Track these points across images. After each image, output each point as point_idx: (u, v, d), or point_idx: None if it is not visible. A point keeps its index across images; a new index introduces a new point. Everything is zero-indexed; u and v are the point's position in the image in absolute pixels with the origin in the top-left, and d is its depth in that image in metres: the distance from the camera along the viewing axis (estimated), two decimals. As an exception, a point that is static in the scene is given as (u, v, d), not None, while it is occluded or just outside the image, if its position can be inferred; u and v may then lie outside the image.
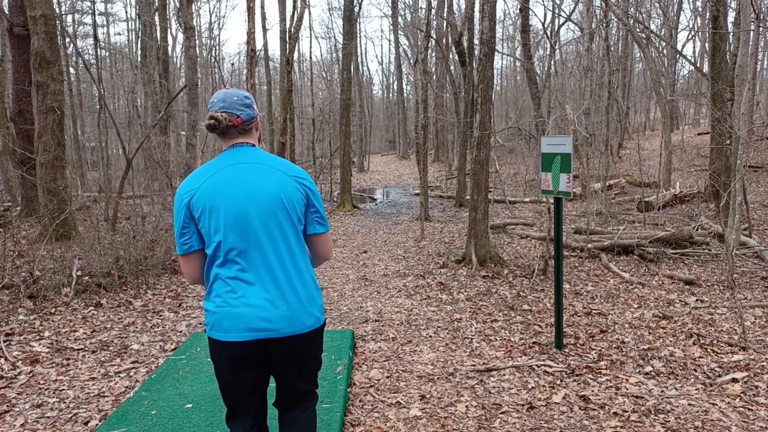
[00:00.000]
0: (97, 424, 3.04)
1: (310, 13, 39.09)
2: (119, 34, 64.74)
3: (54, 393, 3.45)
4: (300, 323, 1.87)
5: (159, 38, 17.18)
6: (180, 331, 4.71)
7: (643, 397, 3.29)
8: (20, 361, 3.92)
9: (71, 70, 23.19)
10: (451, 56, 22.56)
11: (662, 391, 3.38)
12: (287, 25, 15.36)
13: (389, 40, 52.78)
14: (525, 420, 3.07)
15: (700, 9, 26.32)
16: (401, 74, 35.60)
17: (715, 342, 4.20)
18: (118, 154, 21.09)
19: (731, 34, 11.05)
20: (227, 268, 1.84)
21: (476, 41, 11.71)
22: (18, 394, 3.43)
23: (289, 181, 1.89)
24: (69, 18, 25.79)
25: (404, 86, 39.05)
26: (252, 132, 1.97)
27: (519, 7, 16.32)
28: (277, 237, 1.85)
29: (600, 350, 4.10)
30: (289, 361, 1.92)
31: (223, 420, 2.97)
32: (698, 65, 22.11)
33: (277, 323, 1.83)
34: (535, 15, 41.78)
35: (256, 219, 1.82)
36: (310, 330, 1.90)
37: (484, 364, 3.90)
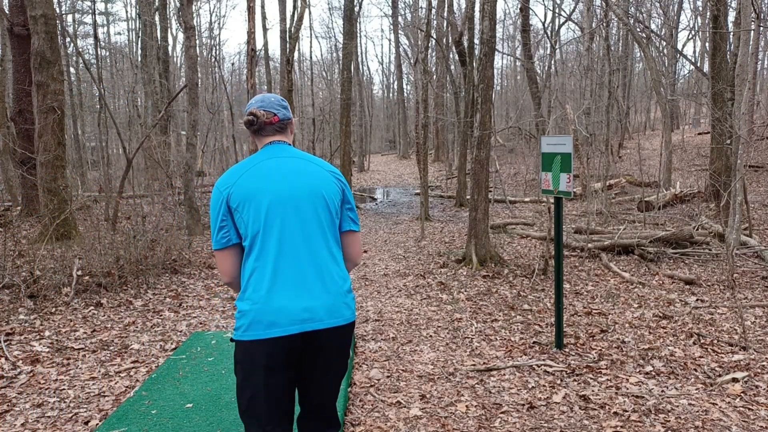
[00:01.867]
0: (97, 424, 3.05)
1: (310, 13, 39.10)
2: (119, 33, 64.82)
3: (54, 392, 3.45)
4: (340, 314, 1.83)
5: (159, 38, 17.18)
6: (180, 331, 4.71)
7: (643, 397, 3.29)
8: (21, 361, 3.92)
9: (71, 69, 23.20)
10: (451, 56, 22.56)
11: (662, 391, 3.38)
12: (287, 25, 15.36)
13: (389, 40, 52.76)
14: (525, 420, 3.07)
15: (700, 8, 26.31)
16: (401, 74, 35.58)
17: (715, 342, 4.20)
18: (119, 153, 21.09)
19: (732, 33, 11.04)
20: (265, 260, 1.78)
21: (476, 41, 11.71)
22: (18, 393, 3.43)
23: (328, 176, 1.90)
24: (69, 18, 25.81)
25: (404, 86, 39.08)
26: (287, 132, 1.99)
27: (519, 6, 16.32)
28: (317, 229, 1.83)
29: (600, 350, 4.10)
30: (324, 357, 1.86)
31: (223, 419, 2.97)
32: (698, 65, 22.10)
33: (320, 313, 1.78)
34: (536, 15, 41.83)
35: (296, 210, 1.81)
36: (348, 323, 1.86)
37: (484, 363, 3.90)
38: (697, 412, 3.11)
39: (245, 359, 1.79)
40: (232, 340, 1.81)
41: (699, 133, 24.20)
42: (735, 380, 3.48)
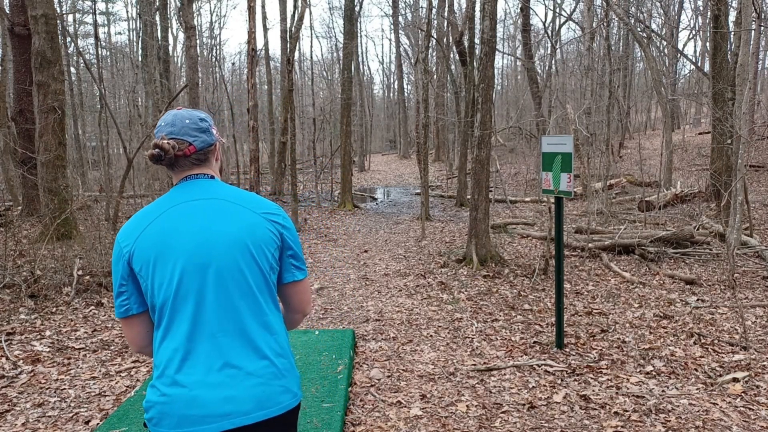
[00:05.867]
0: (98, 423, 3.05)
1: (310, 13, 39.08)
2: (120, 33, 64.84)
3: (55, 392, 3.45)
4: (275, 402, 1.42)
5: (160, 38, 17.17)
6: (181, 331, 4.71)
7: (643, 397, 3.29)
8: (21, 361, 3.93)
9: (72, 69, 23.21)
10: (451, 56, 22.55)
11: (663, 391, 3.38)
12: (288, 25, 15.35)
13: (390, 40, 52.77)
14: (526, 419, 3.07)
15: (701, 8, 26.30)
16: (402, 73, 35.59)
17: (716, 341, 4.20)
18: (119, 153, 21.10)
19: (732, 33, 11.04)
20: (175, 338, 1.39)
21: (477, 41, 11.71)
22: (19, 393, 3.43)
23: (258, 221, 1.47)
24: (70, 17, 25.81)
25: (405, 86, 39.08)
26: (210, 162, 1.55)
27: (520, 6, 16.32)
28: (244, 293, 1.43)
29: (601, 350, 4.10)
30: None
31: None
32: (699, 64, 22.09)
33: (246, 405, 1.37)
34: (536, 14, 41.75)
35: (213, 272, 1.41)
36: (287, 411, 1.44)
37: (484, 363, 3.90)
38: (698, 412, 3.11)
39: None
40: (145, 425, 1.45)
41: (699, 133, 24.18)
42: (735, 380, 3.48)
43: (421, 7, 26.23)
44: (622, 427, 2.96)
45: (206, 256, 1.41)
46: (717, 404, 3.19)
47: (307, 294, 1.62)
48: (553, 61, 20.50)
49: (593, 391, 3.41)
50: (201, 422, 1.35)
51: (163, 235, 1.41)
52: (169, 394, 1.37)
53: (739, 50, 7.78)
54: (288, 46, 14.93)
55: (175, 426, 1.36)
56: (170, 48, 22.31)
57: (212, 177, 1.56)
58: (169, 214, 1.44)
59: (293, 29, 14.27)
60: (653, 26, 25.24)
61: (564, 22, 21.34)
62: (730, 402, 3.22)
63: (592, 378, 3.60)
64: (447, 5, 16.92)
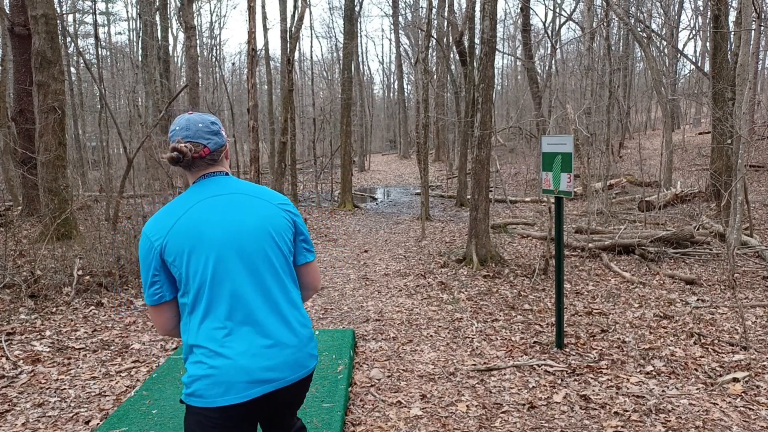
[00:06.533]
0: (98, 424, 3.05)
1: (310, 13, 39.07)
2: (120, 33, 64.82)
3: (55, 392, 3.45)
4: (303, 367, 1.67)
5: (160, 38, 17.18)
6: (181, 331, 4.71)
7: (643, 397, 3.29)
8: (21, 361, 3.93)
9: (72, 69, 23.20)
10: (451, 55, 22.55)
11: (663, 391, 3.38)
12: (288, 25, 15.35)
13: (390, 40, 52.77)
14: (526, 419, 3.07)
15: (701, 8, 26.29)
16: (402, 73, 35.59)
17: (716, 341, 4.20)
18: (119, 153, 21.09)
19: (732, 33, 11.04)
20: (215, 316, 1.57)
21: (477, 40, 11.71)
22: (19, 393, 3.43)
23: (275, 211, 1.69)
24: (70, 17, 25.81)
25: (405, 86, 39.07)
26: (222, 161, 1.73)
27: (520, 6, 16.32)
28: (269, 274, 1.64)
29: (601, 350, 4.10)
30: (285, 410, 1.73)
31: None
32: (699, 64, 22.09)
33: (282, 371, 1.61)
34: (536, 14, 41.71)
35: (244, 257, 1.60)
36: (311, 372, 1.72)
37: (484, 363, 3.90)
38: (698, 412, 3.11)
39: (196, 426, 1.59)
40: (182, 401, 1.61)
41: (700, 133, 24.18)
42: (736, 380, 3.48)
43: (421, 7, 26.23)
44: (622, 427, 2.96)
45: (237, 244, 1.60)
46: (717, 404, 3.19)
47: (317, 273, 1.87)
48: (553, 61, 20.49)
49: (593, 391, 3.41)
50: (247, 388, 1.55)
51: (195, 228, 1.58)
52: (217, 366, 1.54)
53: (739, 50, 7.78)
54: (288, 46, 14.93)
55: (223, 394, 1.53)
56: (170, 48, 22.31)
57: (226, 174, 1.74)
58: (197, 209, 1.61)
59: (293, 29, 14.27)
60: (653, 26, 25.25)
61: (564, 22, 21.34)
62: (730, 402, 3.22)
63: (592, 378, 3.60)
64: (447, 5, 16.92)
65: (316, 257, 1.89)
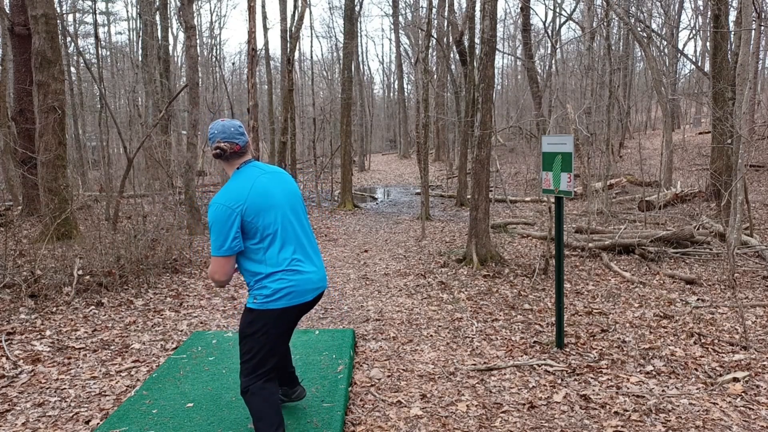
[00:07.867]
0: (98, 423, 3.05)
1: (310, 13, 39.03)
2: (120, 33, 64.84)
3: (55, 392, 3.45)
4: (326, 279, 2.63)
5: (160, 37, 17.18)
6: (181, 330, 4.71)
7: (644, 397, 3.29)
8: (22, 360, 3.93)
9: (72, 69, 23.20)
10: (452, 55, 22.55)
11: (663, 391, 3.38)
12: (288, 24, 15.35)
13: (390, 39, 52.75)
14: (526, 419, 3.07)
15: (701, 8, 26.29)
16: (402, 73, 35.55)
17: (716, 341, 4.20)
18: (119, 153, 21.10)
19: (732, 33, 11.04)
20: (288, 248, 2.42)
21: (477, 40, 11.70)
22: (19, 393, 3.43)
23: (294, 182, 2.61)
24: (70, 17, 25.81)
25: (405, 85, 39.05)
26: (248, 152, 2.51)
27: (520, 6, 16.31)
28: (305, 220, 2.57)
29: (601, 349, 4.10)
30: (308, 310, 2.57)
31: (224, 419, 2.97)
32: (699, 64, 22.08)
33: (323, 282, 2.55)
34: (536, 14, 41.72)
35: (293, 210, 2.49)
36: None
37: (485, 363, 3.90)
38: (698, 411, 3.11)
39: (274, 321, 2.38)
40: (251, 310, 2.40)
41: (700, 133, 24.18)
42: (736, 380, 3.48)
43: (421, 6, 26.23)
44: (622, 426, 2.96)
45: (290, 204, 2.49)
46: (717, 404, 3.19)
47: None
48: (553, 61, 20.47)
49: (593, 390, 3.41)
50: (312, 292, 2.48)
51: (264, 195, 2.38)
52: (296, 279, 2.41)
53: (740, 50, 7.77)
54: (288, 45, 14.93)
55: (300, 296, 2.42)
56: (170, 48, 22.31)
57: (257, 160, 2.54)
58: (260, 182, 2.41)
59: (293, 29, 14.26)
60: (653, 26, 25.25)
61: (564, 22, 21.32)
62: (730, 402, 3.22)
63: (592, 378, 3.60)
64: (447, 5, 16.91)
65: None
